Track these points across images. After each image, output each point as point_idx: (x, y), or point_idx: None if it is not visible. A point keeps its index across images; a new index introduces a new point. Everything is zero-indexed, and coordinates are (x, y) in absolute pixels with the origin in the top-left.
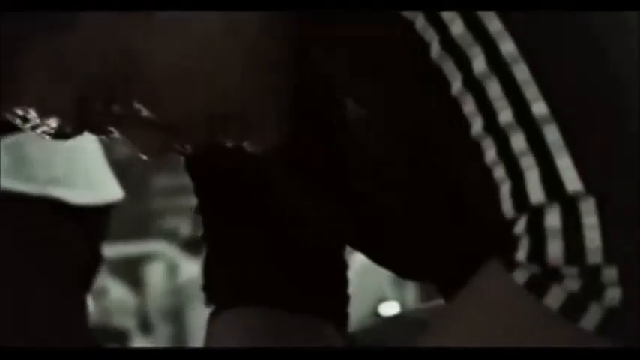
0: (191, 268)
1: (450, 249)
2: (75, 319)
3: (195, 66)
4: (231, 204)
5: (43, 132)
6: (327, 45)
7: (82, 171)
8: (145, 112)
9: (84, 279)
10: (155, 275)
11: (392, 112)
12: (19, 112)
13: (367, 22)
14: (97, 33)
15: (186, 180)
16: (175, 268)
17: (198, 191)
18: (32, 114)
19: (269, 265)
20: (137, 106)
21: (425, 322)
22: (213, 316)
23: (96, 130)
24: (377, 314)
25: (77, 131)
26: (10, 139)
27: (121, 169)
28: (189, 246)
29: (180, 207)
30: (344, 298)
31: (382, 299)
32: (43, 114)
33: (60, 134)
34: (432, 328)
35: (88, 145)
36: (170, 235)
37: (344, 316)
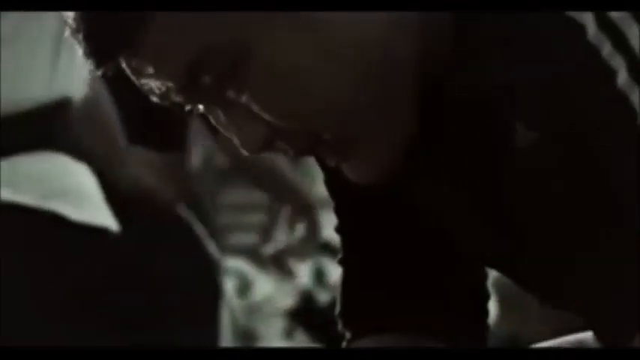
0: (264, 286)
1: (614, 279)
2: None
3: (313, 73)
4: (373, 226)
5: (154, 94)
6: (492, 62)
7: (75, 190)
8: (254, 107)
9: (83, 297)
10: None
11: (567, 136)
12: (135, 64)
13: (529, 29)
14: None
15: (255, 196)
16: (249, 286)
17: (339, 211)
18: (147, 70)
19: (411, 290)
20: (247, 97)
21: None
22: (350, 343)
23: (204, 107)
24: None
25: (186, 99)
26: (4, 162)
27: (189, 185)
28: (262, 263)
29: (250, 223)
30: (483, 325)
31: None
32: (156, 71)
33: (168, 98)
34: None
35: (82, 173)
36: (241, 251)
37: (483, 342)
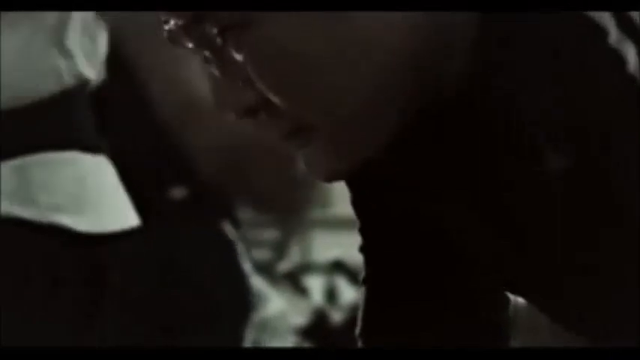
0: (278, 303)
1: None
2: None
3: (317, 57)
4: (398, 246)
5: (166, 32)
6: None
7: (90, 198)
8: (250, 71)
9: (87, 310)
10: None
11: (597, 161)
12: None
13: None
14: None
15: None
16: (261, 301)
17: (364, 230)
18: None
19: (434, 312)
20: (244, 57)
21: None
22: None
23: (205, 55)
24: None
25: (189, 40)
26: (16, 161)
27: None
28: (275, 279)
29: (263, 239)
30: (505, 341)
31: None
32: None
33: (175, 39)
34: None
35: (101, 172)
36: (255, 267)
37: None
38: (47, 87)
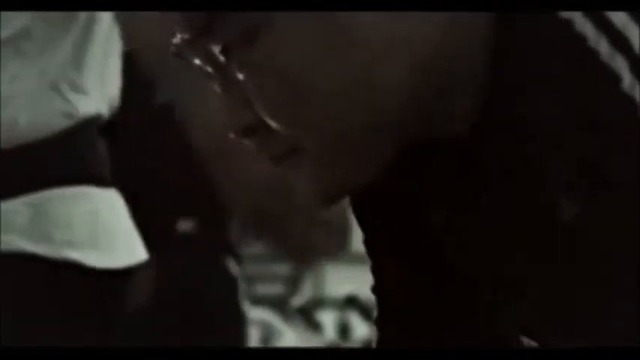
0: (291, 338)
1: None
2: None
3: (314, 79)
4: (410, 286)
5: (173, 47)
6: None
7: (104, 233)
8: (249, 91)
9: (96, 344)
10: (252, 342)
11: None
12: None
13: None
14: None
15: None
16: (274, 336)
17: (376, 271)
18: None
19: (443, 324)
20: (245, 77)
21: None
22: None
23: (209, 71)
24: None
25: (194, 55)
26: (33, 197)
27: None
28: (288, 314)
29: (276, 274)
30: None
31: None
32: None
33: (180, 52)
34: None
35: (113, 206)
36: (268, 302)
37: None
38: (59, 122)
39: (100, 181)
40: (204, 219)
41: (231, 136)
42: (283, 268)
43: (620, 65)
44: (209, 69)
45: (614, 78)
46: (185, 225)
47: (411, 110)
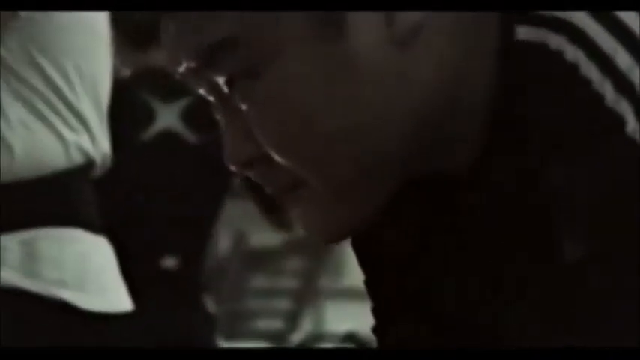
0: None
1: None
2: None
3: (321, 116)
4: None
5: (176, 72)
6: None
7: (93, 276)
8: (251, 122)
9: None
10: None
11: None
12: (169, 30)
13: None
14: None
15: (282, 282)
16: None
17: (377, 311)
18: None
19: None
20: (247, 109)
21: None
22: None
23: (212, 101)
24: None
25: (198, 83)
26: (25, 234)
27: (220, 270)
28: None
29: (276, 309)
30: None
31: None
32: (179, 44)
33: (184, 78)
34: None
35: (102, 252)
36: (267, 337)
37: None
38: (54, 162)
39: (90, 226)
40: (186, 257)
41: (233, 168)
42: (283, 303)
43: (625, 109)
44: (213, 99)
45: (619, 122)
46: (168, 262)
47: (414, 147)
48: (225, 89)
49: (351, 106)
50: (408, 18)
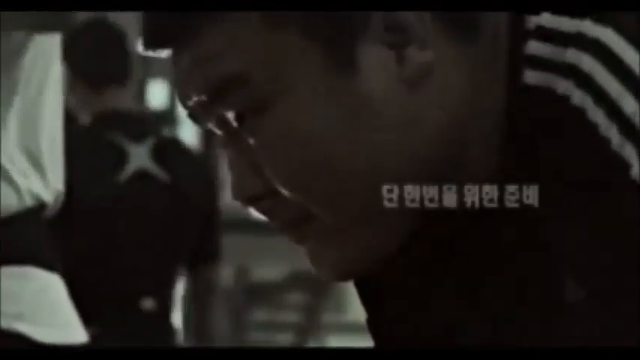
0: None
1: None
2: None
3: (331, 152)
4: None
5: (183, 102)
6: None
7: (48, 310)
8: (259, 158)
9: None
10: None
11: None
12: (182, 60)
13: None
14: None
15: (284, 315)
16: None
17: (369, 322)
18: (185, 69)
19: None
20: (255, 144)
21: None
22: None
23: (219, 135)
24: None
25: (206, 116)
26: None
27: (222, 298)
28: None
29: (279, 342)
30: None
31: None
32: (190, 76)
33: (192, 110)
34: None
35: (56, 288)
36: None
37: None
38: (8, 206)
39: (43, 264)
40: (163, 298)
41: (239, 202)
42: (284, 338)
43: (629, 153)
44: (221, 134)
45: (624, 166)
46: (148, 304)
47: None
48: (235, 124)
49: (364, 143)
50: (419, 57)
